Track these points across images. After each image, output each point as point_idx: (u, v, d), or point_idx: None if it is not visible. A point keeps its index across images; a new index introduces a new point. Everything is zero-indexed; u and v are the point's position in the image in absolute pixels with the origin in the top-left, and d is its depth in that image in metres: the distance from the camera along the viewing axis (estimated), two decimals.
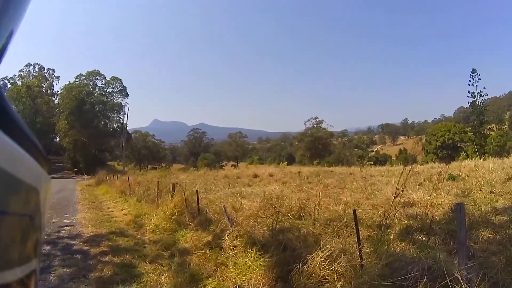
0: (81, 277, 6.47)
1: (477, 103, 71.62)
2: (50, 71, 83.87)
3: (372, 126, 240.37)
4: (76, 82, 73.83)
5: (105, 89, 76.59)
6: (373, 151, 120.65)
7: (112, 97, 76.23)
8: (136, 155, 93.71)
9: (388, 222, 7.47)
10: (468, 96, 72.10)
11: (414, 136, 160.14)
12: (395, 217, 8.03)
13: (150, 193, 16.45)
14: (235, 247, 7.03)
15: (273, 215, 8.23)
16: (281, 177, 27.20)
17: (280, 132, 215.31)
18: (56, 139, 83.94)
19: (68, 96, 70.01)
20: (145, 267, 7.02)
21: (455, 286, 4.16)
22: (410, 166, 10.99)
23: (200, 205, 10.62)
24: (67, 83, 74.06)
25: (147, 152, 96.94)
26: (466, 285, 4.15)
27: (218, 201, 12.31)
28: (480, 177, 15.83)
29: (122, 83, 77.79)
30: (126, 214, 13.84)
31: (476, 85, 70.72)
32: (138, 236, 9.92)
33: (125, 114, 72.50)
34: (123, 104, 75.80)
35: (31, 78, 79.49)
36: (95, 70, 76.67)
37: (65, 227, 11.30)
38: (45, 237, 9.76)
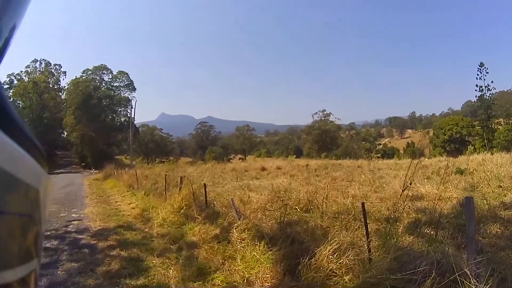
0: (88, 271, 6.50)
1: (484, 97, 71.07)
2: (57, 67, 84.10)
3: (380, 119, 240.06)
4: (83, 77, 74.22)
5: (112, 84, 77.03)
6: (380, 144, 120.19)
7: (119, 91, 76.68)
8: (144, 149, 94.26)
9: (396, 216, 7.44)
10: (476, 90, 71.60)
11: (422, 130, 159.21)
12: (403, 211, 7.99)
13: (157, 187, 16.48)
14: (243, 240, 7.03)
15: (281, 208, 8.22)
16: (289, 170, 27.14)
17: (288, 125, 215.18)
18: (64, 134, 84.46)
19: (75, 91, 70.39)
20: (152, 260, 7.03)
21: (463, 281, 4.13)
22: (417, 159, 10.92)
23: (208, 198, 10.62)
24: (74, 78, 74.40)
25: (155, 145, 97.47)
26: (474, 281, 4.12)
27: (226, 194, 12.32)
28: (488, 171, 15.69)
29: (129, 77, 78.16)
30: (133, 208, 13.90)
31: (484, 79, 70.20)
32: (146, 230, 9.95)
33: (132, 108, 72.89)
34: (130, 98, 76.27)
35: (37, 74, 79.63)
36: (102, 64, 77.07)
37: (72, 222, 11.40)
38: (53, 232, 9.88)
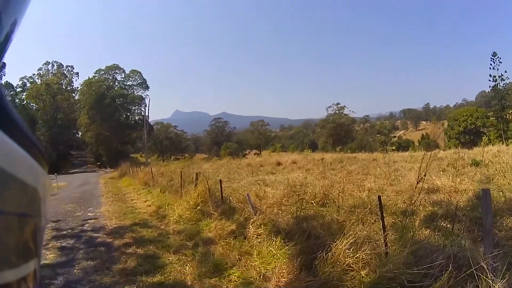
0: (104, 269, 6.56)
1: (498, 87, 69.86)
2: (69, 68, 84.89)
3: (394, 111, 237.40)
4: (96, 77, 74.95)
5: (125, 83, 77.72)
6: (395, 137, 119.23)
7: (132, 90, 77.32)
8: (159, 147, 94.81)
9: (412, 209, 7.39)
10: (490, 80, 70.44)
11: (436, 121, 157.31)
12: (420, 204, 7.93)
13: (173, 184, 16.48)
14: (259, 235, 7.03)
15: (297, 202, 8.20)
16: (304, 164, 27.05)
17: (302, 119, 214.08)
18: (78, 134, 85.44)
19: (88, 91, 71.18)
20: (168, 257, 7.07)
21: (480, 276, 4.10)
22: (432, 151, 10.81)
23: (223, 194, 10.59)
24: (87, 78, 75.11)
25: (170, 143, 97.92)
26: (491, 275, 4.09)
27: (242, 190, 12.25)
28: (503, 163, 15.48)
29: (142, 75, 78.77)
30: (149, 205, 13.98)
31: (497, 69, 69.01)
32: (162, 227, 10.02)
33: (146, 106, 73.26)
34: (144, 97, 76.85)
35: (50, 76, 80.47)
36: (114, 64, 77.77)
37: (88, 220, 11.51)
38: (69, 230, 9.98)
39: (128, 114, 77.34)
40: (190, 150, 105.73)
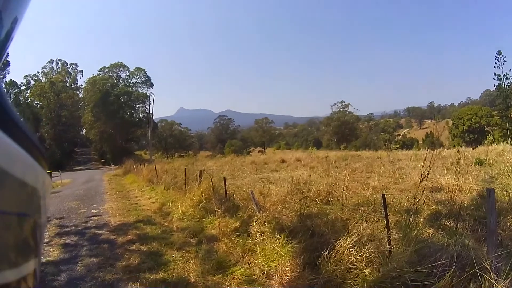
0: (108, 266, 6.55)
1: (503, 85, 69.24)
2: (73, 66, 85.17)
3: (398, 109, 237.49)
4: (100, 75, 75.18)
5: (130, 80, 77.83)
6: (399, 135, 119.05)
7: (136, 88, 77.60)
8: (163, 144, 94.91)
9: (416, 207, 7.37)
10: (494, 79, 69.68)
11: (440, 120, 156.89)
12: (424, 203, 7.92)
13: (177, 181, 16.45)
14: (262, 233, 7.03)
15: (300, 200, 8.18)
16: (308, 162, 26.96)
17: (307, 117, 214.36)
18: (82, 131, 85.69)
19: (93, 89, 71.48)
20: (172, 254, 7.06)
21: (483, 276, 4.08)
22: (436, 150, 10.77)
23: (227, 192, 10.58)
24: (91, 76, 75.40)
25: (174, 140, 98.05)
26: (494, 275, 4.07)
27: (246, 187, 12.26)
28: (508, 162, 15.43)
29: (146, 73, 78.96)
30: (153, 202, 13.96)
31: (502, 67, 68.26)
32: (166, 224, 9.99)
33: (150, 103, 73.33)
34: (148, 94, 76.98)
35: (54, 74, 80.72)
36: (118, 62, 78.00)
37: (92, 217, 11.49)
38: (73, 227, 9.98)
39: (133, 111, 77.54)
40: (194, 147, 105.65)
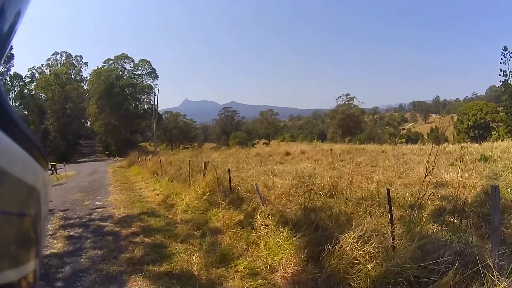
0: (112, 258, 6.59)
1: (509, 82, 68.72)
2: (78, 58, 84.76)
3: (404, 103, 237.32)
4: (105, 67, 75.01)
5: (134, 72, 77.66)
6: (404, 129, 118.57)
7: (141, 80, 77.44)
8: (168, 136, 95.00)
9: (420, 203, 7.35)
10: (500, 75, 69.16)
11: (446, 115, 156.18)
12: (428, 198, 7.89)
13: (181, 173, 16.44)
14: (266, 226, 7.05)
15: (305, 193, 8.20)
16: (313, 155, 26.91)
17: (312, 109, 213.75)
18: (87, 123, 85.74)
19: (97, 81, 71.45)
20: (176, 247, 7.09)
21: (486, 273, 4.07)
22: (441, 145, 10.73)
23: (232, 184, 10.57)
24: (96, 68, 75.34)
25: (179, 132, 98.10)
26: (497, 273, 4.06)
27: (250, 179, 12.26)
28: None
29: (151, 65, 78.80)
30: (157, 194, 14.00)
31: (508, 64, 67.71)
32: (170, 216, 10.02)
33: (155, 95, 73.25)
34: (153, 86, 76.75)
35: (59, 66, 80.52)
36: (123, 54, 77.82)
37: (96, 209, 11.54)
38: (77, 220, 10.03)
39: (137, 103, 77.45)
40: (199, 139, 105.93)
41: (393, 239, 5.31)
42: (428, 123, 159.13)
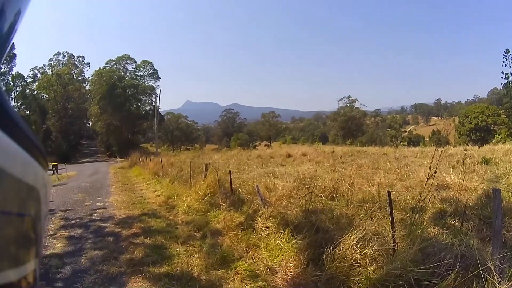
0: (112, 259, 6.58)
1: (511, 84, 68.66)
2: (80, 58, 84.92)
3: (405, 105, 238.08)
4: (107, 68, 75.13)
5: (136, 73, 77.75)
6: (406, 132, 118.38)
7: (143, 80, 77.51)
8: (169, 137, 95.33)
9: (421, 205, 7.33)
10: (502, 77, 69.18)
11: (447, 117, 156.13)
12: (429, 201, 7.88)
13: (183, 174, 16.46)
14: (267, 228, 7.03)
15: (306, 195, 8.20)
16: (314, 157, 26.96)
17: (313, 112, 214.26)
18: (89, 124, 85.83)
19: (99, 81, 71.54)
20: (176, 248, 7.08)
21: (486, 277, 4.06)
22: (443, 148, 10.72)
23: (233, 186, 10.56)
24: (98, 69, 75.48)
25: (180, 133, 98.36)
26: (498, 277, 4.05)
27: (251, 181, 12.27)
28: None
29: (153, 66, 78.84)
30: (158, 196, 13.97)
31: (510, 66, 67.58)
32: (170, 217, 10.00)
33: (157, 96, 73.31)
34: (155, 87, 76.80)
35: (61, 67, 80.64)
36: (125, 54, 77.89)
37: (97, 210, 11.54)
38: (78, 220, 10.02)
39: (139, 104, 77.47)
40: (201, 140, 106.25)
41: (394, 241, 5.29)
42: (429, 125, 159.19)
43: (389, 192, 5.91)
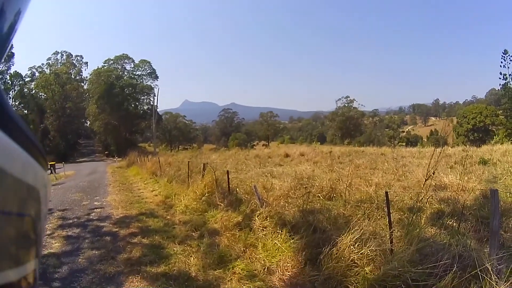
0: (109, 259, 6.57)
1: (509, 85, 68.73)
2: (78, 58, 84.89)
3: (403, 106, 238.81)
4: (105, 67, 75.09)
5: (134, 72, 77.76)
6: (404, 132, 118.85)
7: (141, 80, 77.54)
8: (167, 136, 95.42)
9: (419, 206, 7.34)
10: (500, 78, 69.22)
11: (445, 118, 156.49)
12: (427, 201, 7.88)
13: (180, 174, 16.44)
14: (265, 228, 7.03)
15: (303, 195, 8.19)
16: (312, 157, 26.94)
17: (312, 111, 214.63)
18: (87, 123, 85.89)
19: (97, 81, 71.54)
20: (174, 248, 7.07)
21: (484, 277, 4.06)
22: (441, 148, 10.71)
23: (230, 185, 10.56)
24: (96, 68, 75.45)
25: (178, 133, 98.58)
26: (495, 277, 4.05)
27: (249, 181, 12.22)
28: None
29: (151, 65, 78.87)
30: (156, 195, 13.96)
31: (508, 67, 67.71)
32: (168, 217, 10.00)
33: (155, 96, 73.36)
34: (153, 86, 76.72)
35: (59, 66, 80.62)
36: (123, 54, 77.91)
37: (95, 210, 11.51)
38: (75, 220, 10.00)
39: (137, 103, 77.48)
40: (199, 140, 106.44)
41: (391, 242, 5.29)
42: (428, 126, 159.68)
43: (386, 192, 5.90)
